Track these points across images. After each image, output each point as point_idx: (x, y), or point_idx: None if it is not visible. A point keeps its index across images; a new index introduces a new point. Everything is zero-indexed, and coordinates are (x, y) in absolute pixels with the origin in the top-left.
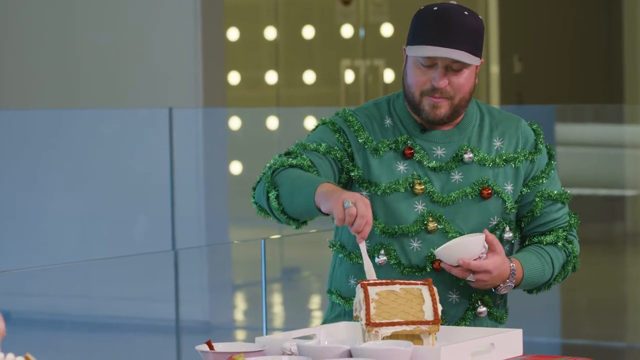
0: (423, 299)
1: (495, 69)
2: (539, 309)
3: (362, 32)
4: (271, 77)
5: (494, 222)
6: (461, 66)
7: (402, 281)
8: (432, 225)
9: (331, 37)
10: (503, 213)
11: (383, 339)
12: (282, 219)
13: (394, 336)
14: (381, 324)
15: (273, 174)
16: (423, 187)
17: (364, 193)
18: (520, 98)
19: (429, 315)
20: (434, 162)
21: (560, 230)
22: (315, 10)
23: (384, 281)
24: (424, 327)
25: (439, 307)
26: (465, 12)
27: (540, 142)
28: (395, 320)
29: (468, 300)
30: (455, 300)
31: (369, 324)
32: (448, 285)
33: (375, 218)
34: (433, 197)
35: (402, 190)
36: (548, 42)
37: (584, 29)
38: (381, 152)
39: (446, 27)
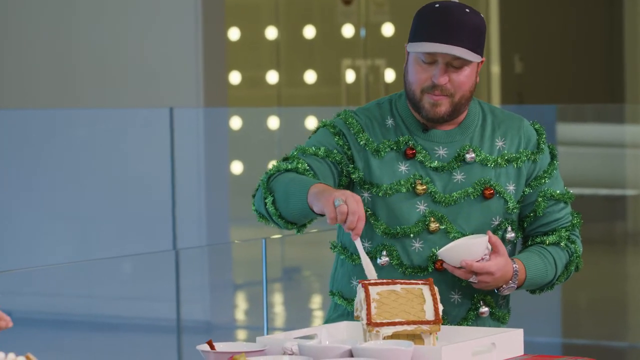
0: (424, 298)
1: (496, 68)
2: (539, 308)
3: (363, 32)
4: (272, 76)
5: (496, 222)
6: (462, 63)
7: (403, 281)
8: (433, 225)
9: (332, 36)
10: (505, 213)
11: (384, 338)
12: (281, 224)
13: (395, 336)
14: (382, 324)
15: (269, 180)
16: (425, 187)
17: (366, 194)
18: (521, 98)
19: (430, 315)
20: (436, 162)
21: (563, 230)
22: (316, 10)
23: (384, 281)
24: (425, 327)
25: (440, 307)
26: (467, 10)
27: (543, 141)
28: (396, 320)
29: (470, 300)
30: (457, 300)
31: (370, 323)
32: (450, 285)
33: (377, 219)
34: (435, 197)
35: (404, 190)
36: (549, 42)
37: (585, 28)
38: (382, 153)
39: (447, 24)
